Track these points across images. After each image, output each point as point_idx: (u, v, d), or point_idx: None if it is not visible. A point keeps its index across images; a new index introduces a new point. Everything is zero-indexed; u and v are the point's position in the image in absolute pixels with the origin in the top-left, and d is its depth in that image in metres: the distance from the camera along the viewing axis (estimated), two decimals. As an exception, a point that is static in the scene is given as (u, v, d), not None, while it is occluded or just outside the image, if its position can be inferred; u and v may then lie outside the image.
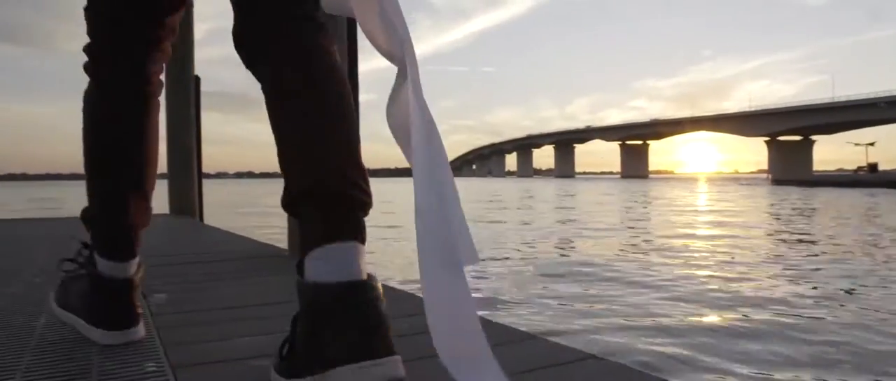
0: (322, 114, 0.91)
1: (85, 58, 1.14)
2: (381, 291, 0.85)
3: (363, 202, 0.90)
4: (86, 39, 1.13)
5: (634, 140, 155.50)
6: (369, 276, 0.86)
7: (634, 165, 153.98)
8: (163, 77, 1.20)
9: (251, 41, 0.97)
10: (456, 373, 0.74)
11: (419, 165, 0.78)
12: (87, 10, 1.12)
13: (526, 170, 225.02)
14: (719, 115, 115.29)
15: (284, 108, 0.93)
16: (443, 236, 0.76)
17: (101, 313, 1.17)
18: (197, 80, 5.47)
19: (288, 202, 0.92)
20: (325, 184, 0.88)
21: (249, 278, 1.95)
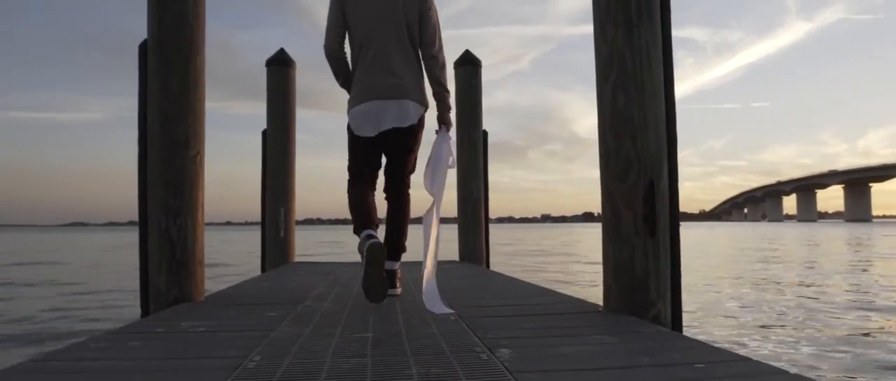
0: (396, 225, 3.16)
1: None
2: (397, 274, 3.10)
3: (400, 251, 3.14)
4: None
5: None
6: (392, 271, 3.07)
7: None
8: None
9: (387, 190, 3.20)
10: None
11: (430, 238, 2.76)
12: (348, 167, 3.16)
13: (808, 213, 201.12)
14: None
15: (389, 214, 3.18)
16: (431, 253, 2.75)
17: (370, 250, 2.80)
18: (484, 134, 5.77)
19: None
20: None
21: (586, 337, 1.92)
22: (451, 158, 2.92)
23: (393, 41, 2.96)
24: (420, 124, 3.04)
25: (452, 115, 3.10)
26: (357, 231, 2.99)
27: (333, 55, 3.06)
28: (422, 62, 3.06)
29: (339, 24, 3.03)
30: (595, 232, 46.97)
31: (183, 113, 2.90)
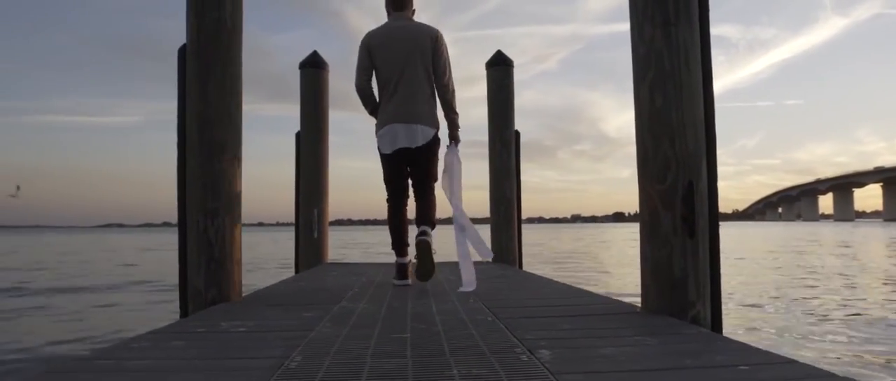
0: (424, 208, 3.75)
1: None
2: (430, 243, 3.55)
3: (428, 220, 3.70)
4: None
5: None
6: (426, 241, 3.54)
7: None
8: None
9: (415, 192, 3.76)
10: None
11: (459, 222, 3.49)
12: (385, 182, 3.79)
13: (845, 213, 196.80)
14: None
15: (417, 205, 3.75)
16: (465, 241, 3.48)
17: (398, 275, 3.68)
18: (517, 134, 5.75)
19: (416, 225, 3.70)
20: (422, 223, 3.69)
21: (626, 338, 1.90)
22: (460, 167, 3.65)
23: (411, 78, 3.58)
24: (434, 142, 3.66)
25: (462, 132, 3.79)
26: (393, 248, 3.79)
27: (362, 90, 3.70)
28: (435, 92, 3.68)
29: (367, 66, 3.67)
30: (627, 232, 45.75)
31: (220, 116, 2.95)
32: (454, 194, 3.53)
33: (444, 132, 3.74)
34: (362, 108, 3.76)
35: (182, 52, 2.99)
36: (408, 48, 3.60)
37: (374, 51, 3.64)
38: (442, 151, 3.74)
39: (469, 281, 3.34)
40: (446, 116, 3.73)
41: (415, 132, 3.56)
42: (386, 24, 3.74)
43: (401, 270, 3.71)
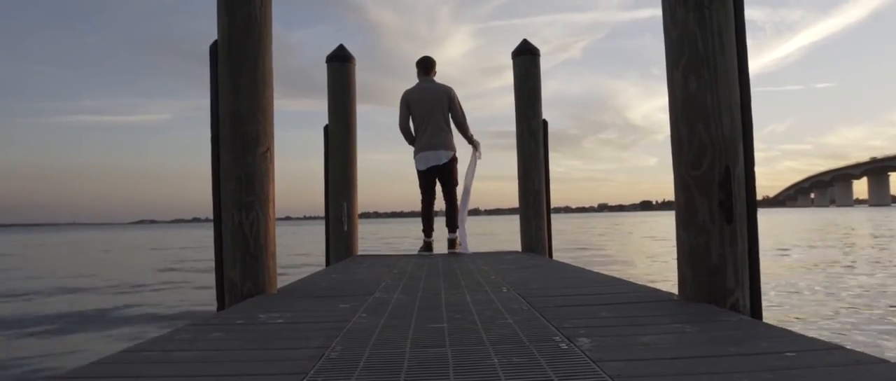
0: (451, 213, 5.83)
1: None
2: (457, 240, 5.78)
3: (455, 226, 5.76)
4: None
5: None
6: (452, 239, 5.83)
7: None
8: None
9: (444, 195, 5.81)
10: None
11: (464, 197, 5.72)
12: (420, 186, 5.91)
13: (881, 197, 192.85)
14: None
15: (447, 210, 5.83)
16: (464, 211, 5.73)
17: (424, 248, 5.89)
18: (544, 123, 5.72)
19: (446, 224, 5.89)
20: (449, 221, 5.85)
21: (665, 326, 1.88)
22: (476, 164, 5.68)
23: (436, 121, 5.55)
24: (452, 161, 5.62)
25: (481, 140, 5.81)
26: (423, 230, 5.88)
27: (404, 129, 5.72)
28: (452, 126, 5.66)
29: (407, 112, 5.69)
30: (664, 222, 45.11)
31: (253, 111, 2.97)
32: (467, 178, 5.58)
33: (461, 152, 5.72)
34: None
35: (214, 48, 3.02)
36: (432, 101, 5.56)
37: (411, 103, 5.64)
38: (463, 161, 5.69)
39: (464, 246, 5.60)
40: (468, 141, 5.71)
41: (440, 155, 5.56)
42: (418, 84, 5.69)
43: (427, 246, 5.79)
